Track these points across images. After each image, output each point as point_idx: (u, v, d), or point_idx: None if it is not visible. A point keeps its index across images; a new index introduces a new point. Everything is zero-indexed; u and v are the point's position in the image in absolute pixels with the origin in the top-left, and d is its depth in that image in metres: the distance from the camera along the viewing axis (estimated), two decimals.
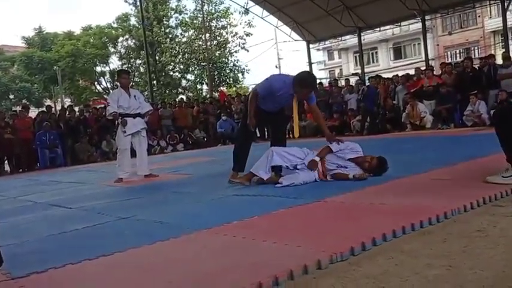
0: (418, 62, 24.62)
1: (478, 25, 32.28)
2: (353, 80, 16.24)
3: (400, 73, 15.05)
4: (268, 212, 3.22)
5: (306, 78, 4.75)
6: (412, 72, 14.44)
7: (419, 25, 20.27)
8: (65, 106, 17.94)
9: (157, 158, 11.46)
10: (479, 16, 31.54)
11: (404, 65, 29.01)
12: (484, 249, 2.08)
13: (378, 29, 21.84)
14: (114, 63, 32.40)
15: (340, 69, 41.10)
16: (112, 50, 32.13)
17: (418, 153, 6.46)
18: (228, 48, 31.21)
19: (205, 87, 31.34)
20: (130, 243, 2.69)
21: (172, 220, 3.37)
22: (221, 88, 27.55)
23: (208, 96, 22.08)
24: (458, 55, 32.38)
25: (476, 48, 32.16)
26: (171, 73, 31.94)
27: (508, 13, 17.52)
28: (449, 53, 33.43)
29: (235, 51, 31.22)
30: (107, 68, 32.41)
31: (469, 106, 10.92)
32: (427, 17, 19.27)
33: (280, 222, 3.01)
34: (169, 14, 31.31)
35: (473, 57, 20.27)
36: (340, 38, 23.83)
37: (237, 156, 5.14)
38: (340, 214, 3.08)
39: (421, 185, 3.74)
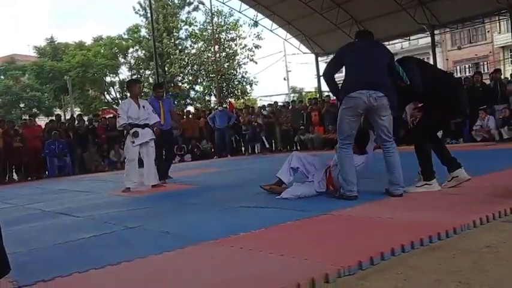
0: None
1: (487, 40, 32.25)
2: None
3: None
4: (276, 224, 3.21)
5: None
6: None
7: (428, 39, 20.22)
8: (75, 115, 18.07)
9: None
10: (488, 31, 31.53)
11: None
12: (494, 265, 2.05)
13: (387, 42, 21.82)
14: (124, 73, 32.68)
15: None
16: (122, 60, 32.39)
17: None
18: (236, 60, 31.32)
19: (213, 98, 31.45)
20: (137, 253, 2.69)
21: (179, 230, 3.36)
22: (230, 100, 27.64)
23: (216, 107, 22.18)
24: (467, 70, 32.31)
25: (485, 63, 32.09)
26: (180, 84, 32.09)
27: None
28: (458, 67, 33.38)
29: (244, 63, 31.31)
30: (117, 79, 32.70)
31: (478, 121, 10.87)
32: (436, 32, 19.25)
33: (287, 234, 2.99)
34: (179, 25, 31.54)
35: (482, 72, 20.25)
36: None
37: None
38: (348, 227, 3.06)
39: (429, 200, 3.71)
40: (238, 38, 30.99)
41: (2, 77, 33.10)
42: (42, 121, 22.18)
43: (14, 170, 12.74)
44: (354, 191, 3.99)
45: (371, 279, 2.01)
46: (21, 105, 32.01)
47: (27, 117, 15.46)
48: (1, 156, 11.80)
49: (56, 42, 32.88)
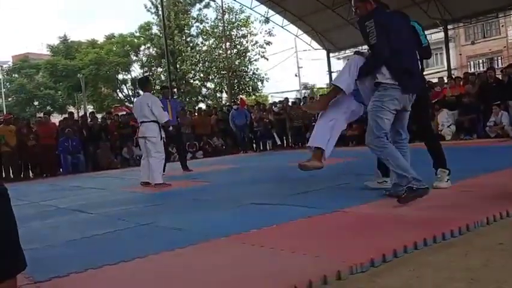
0: (440, 71, 24.32)
1: (502, 35, 31.75)
2: None
3: None
4: (287, 222, 3.21)
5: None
6: (434, 81, 14.30)
7: (441, 34, 19.99)
8: (87, 113, 18.22)
9: (177, 165, 11.52)
10: (502, 26, 31.04)
11: (427, 74, 28.47)
12: (506, 263, 2.04)
13: None
14: (136, 71, 32.84)
15: None
16: (134, 58, 32.57)
17: None
18: (247, 57, 31.28)
19: (224, 95, 31.48)
20: (150, 249, 2.71)
21: (191, 227, 3.39)
22: (241, 96, 27.65)
23: (227, 104, 22.18)
24: (481, 65, 31.87)
25: (499, 58, 31.63)
26: (192, 81, 32.17)
27: None
28: (472, 62, 32.94)
29: (255, 60, 31.28)
30: (129, 76, 32.92)
31: (491, 117, 10.74)
32: (449, 27, 19.02)
33: (299, 231, 3.00)
34: (190, 23, 31.57)
35: (496, 67, 19.97)
36: (360, 47, 23.73)
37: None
38: (361, 225, 3.06)
39: (442, 197, 3.68)
40: (249, 35, 30.94)
41: (16, 75, 33.47)
42: (55, 119, 22.40)
43: (29, 168, 12.91)
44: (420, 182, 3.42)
45: (383, 276, 2.01)
46: (35, 103, 32.34)
47: (41, 115, 15.62)
48: (16, 154, 11.95)
49: (69, 41, 33.15)
